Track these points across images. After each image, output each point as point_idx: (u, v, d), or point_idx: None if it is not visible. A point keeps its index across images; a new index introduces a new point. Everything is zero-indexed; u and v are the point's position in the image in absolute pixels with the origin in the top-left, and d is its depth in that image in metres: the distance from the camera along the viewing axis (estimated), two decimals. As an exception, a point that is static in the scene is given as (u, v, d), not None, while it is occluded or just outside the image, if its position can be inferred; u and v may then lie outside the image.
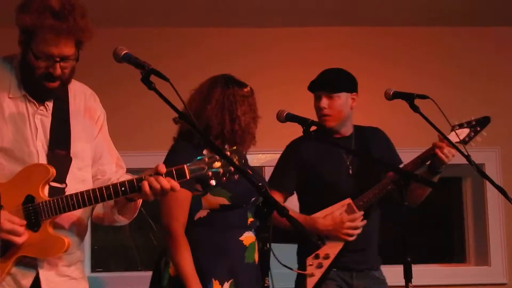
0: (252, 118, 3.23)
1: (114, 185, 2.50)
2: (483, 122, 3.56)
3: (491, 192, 5.03)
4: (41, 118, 2.62)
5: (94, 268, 5.11)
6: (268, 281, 2.45)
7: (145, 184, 2.47)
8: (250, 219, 3.17)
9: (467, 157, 3.39)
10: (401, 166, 3.66)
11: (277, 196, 3.65)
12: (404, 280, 2.84)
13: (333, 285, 3.57)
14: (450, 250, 5.53)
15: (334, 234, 3.54)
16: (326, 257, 3.54)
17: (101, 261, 5.17)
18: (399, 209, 2.89)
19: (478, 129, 3.55)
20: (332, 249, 3.55)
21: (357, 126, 3.82)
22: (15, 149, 2.54)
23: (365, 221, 3.55)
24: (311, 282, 3.53)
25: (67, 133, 2.64)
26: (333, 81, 3.70)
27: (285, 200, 3.73)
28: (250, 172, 3.33)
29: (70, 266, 2.66)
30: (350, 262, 3.60)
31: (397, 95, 3.53)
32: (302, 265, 3.59)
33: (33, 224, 2.49)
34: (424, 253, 5.23)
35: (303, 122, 3.06)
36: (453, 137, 3.46)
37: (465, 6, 4.88)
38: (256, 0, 4.73)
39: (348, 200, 3.59)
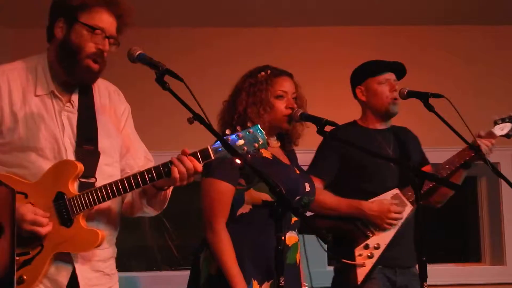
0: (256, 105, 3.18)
1: (141, 173, 2.53)
2: None
3: (506, 191, 5.01)
4: (67, 114, 2.64)
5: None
6: (283, 281, 2.44)
7: (174, 169, 2.49)
8: (294, 219, 3.08)
9: (482, 156, 3.38)
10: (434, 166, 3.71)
11: (317, 182, 3.60)
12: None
13: (377, 284, 3.52)
14: (465, 250, 5.51)
15: (376, 222, 3.51)
16: (377, 247, 3.50)
17: (120, 261, 5.18)
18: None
19: None
20: (382, 239, 3.51)
21: (391, 125, 3.82)
22: (45, 147, 2.56)
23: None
24: (362, 272, 3.48)
25: (94, 129, 2.67)
26: (403, 67, 3.75)
27: (324, 187, 3.68)
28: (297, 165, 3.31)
29: (105, 262, 2.69)
30: (394, 258, 3.54)
31: (411, 94, 3.53)
32: (350, 256, 3.53)
33: (65, 220, 2.52)
34: (440, 252, 5.21)
35: (318, 121, 3.05)
36: (497, 131, 3.52)
37: (476, 4, 4.87)
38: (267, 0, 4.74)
39: (396, 190, 3.57)
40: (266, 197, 3.01)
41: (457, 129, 3.25)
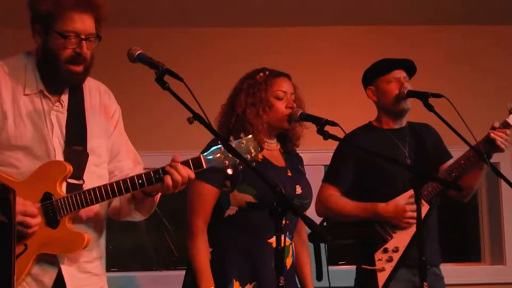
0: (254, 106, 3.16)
1: (131, 178, 2.51)
2: None
3: (506, 191, 5.01)
4: (56, 114, 2.63)
5: (109, 268, 5.10)
6: (282, 281, 2.43)
7: (167, 177, 2.48)
8: (286, 221, 3.00)
9: (482, 156, 3.37)
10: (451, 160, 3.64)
11: (333, 191, 3.62)
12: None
13: (397, 285, 3.48)
14: (465, 250, 5.50)
15: (395, 222, 3.48)
16: (396, 250, 3.47)
17: (116, 260, 5.18)
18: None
19: None
20: (400, 242, 3.48)
21: (409, 121, 3.77)
22: (34, 147, 2.55)
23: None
24: (382, 277, 3.45)
25: (83, 129, 2.65)
26: (412, 63, 3.71)
27: (342, 193, 3.64)
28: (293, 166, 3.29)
29: (91, 263, 2.68)
30: (413, 259, 3.35)
31: (411, 94, 3.52)
32: (369, 261, 3.51)
33: (51, 221, 2.51)
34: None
35: (317, 121, 3.04)
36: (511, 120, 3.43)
37: (476, 4, 4.87)
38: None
39: (412, 191, 3.51)
40: (249, 198, 3.03)
41: (456, 129, 3.25)
